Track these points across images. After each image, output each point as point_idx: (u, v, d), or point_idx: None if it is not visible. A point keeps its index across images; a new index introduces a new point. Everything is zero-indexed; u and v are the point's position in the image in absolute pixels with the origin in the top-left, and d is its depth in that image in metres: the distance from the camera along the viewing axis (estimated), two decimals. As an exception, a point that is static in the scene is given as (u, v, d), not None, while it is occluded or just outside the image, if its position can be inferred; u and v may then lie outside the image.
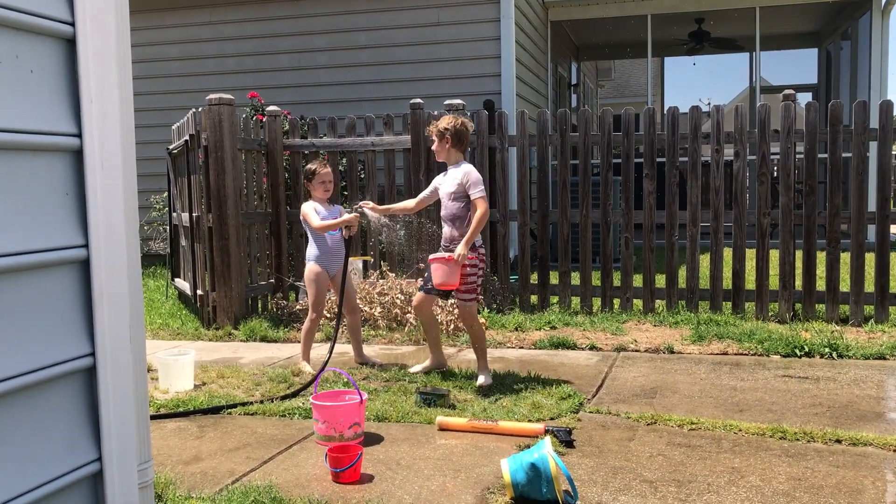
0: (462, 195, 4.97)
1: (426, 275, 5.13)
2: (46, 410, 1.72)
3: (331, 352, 5.12)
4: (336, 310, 5.59)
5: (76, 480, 1.77)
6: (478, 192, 4.91)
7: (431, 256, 4.95)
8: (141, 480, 1.92)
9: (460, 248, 4.79)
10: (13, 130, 1.64)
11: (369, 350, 6.04)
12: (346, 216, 5.27)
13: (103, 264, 1.82)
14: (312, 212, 5.36)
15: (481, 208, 4.86)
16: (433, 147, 5.15)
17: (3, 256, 1.60)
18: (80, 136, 1.80)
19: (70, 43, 1.79)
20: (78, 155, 1.80)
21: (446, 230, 5.05)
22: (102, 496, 1.84)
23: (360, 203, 5.34)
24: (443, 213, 5.10)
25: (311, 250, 5.46)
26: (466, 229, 4.91)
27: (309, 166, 5.57)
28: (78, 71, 1.80)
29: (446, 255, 4.84)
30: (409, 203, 5.44)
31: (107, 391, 1.83)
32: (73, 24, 1.78)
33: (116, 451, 1.85)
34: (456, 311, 6.62)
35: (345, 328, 5.67)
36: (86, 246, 1.80)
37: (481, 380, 4.90)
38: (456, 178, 4.99)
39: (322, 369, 4.75)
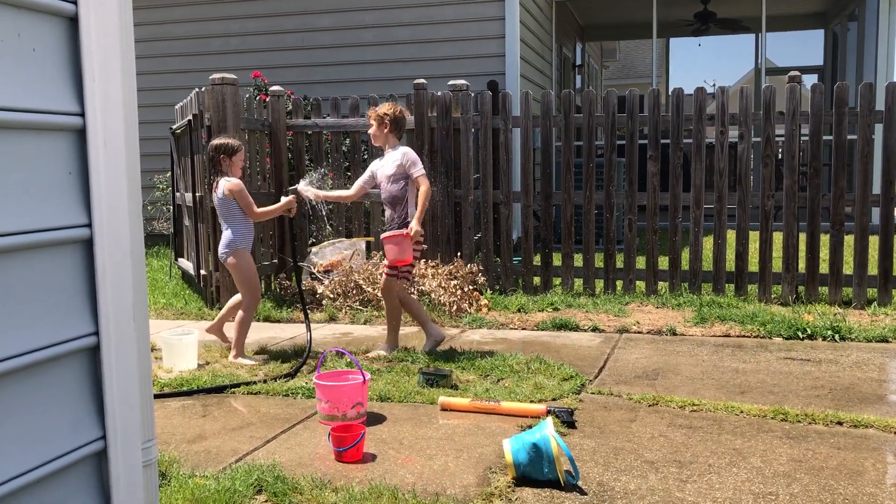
0: (401, 176, 5.10)
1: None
2: (51, 389, 1.73)
3: (309, 329, 5.26)
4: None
5: (81, 458, 1.78)
6: (418, 171, 5.08)
7: (384, 235, 5.09)
8: (145, 459, 1.93)
9: (414, 224, 5.00)
10: (16, 109, 1.63)
11: (371, 330, 6.06)
12: (286, 200, 5.27)
13: (106, 244, 1.82)
14: (249, 196, 5.13)
15: (424, 185, 5.06)
16: (371, 131, 5.23)
17: (7, 236, 1.60)
18: (83, 115, 1.79)
19: (72, 21, 1.78)
20: (81, 134, 1.80)
21: (388, 212, 5.21)
22: (106, 474, 1.85)
23: (296, 186, 5.38)
24: (383, 196, 5.22)
25: (235, 235, 5.11)
26: (404, 211, 5.10)
27: (228, 141, 5.24)
28: (80, 49, 1.79)
29: (400, 231, 5.02)
30: (348, 192, 5.50)
31: (110, 370, 1.84)
32: (75, 2, 1.77)
33: (120, 430, 1.86)
34: (458, 291, 6.63)
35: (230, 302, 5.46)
36: (89, 225, 1.80)
37: (376, 352, 5.18)
38: (395, 160, 5.11)
39: (308, 351, 4.83)
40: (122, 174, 1.85)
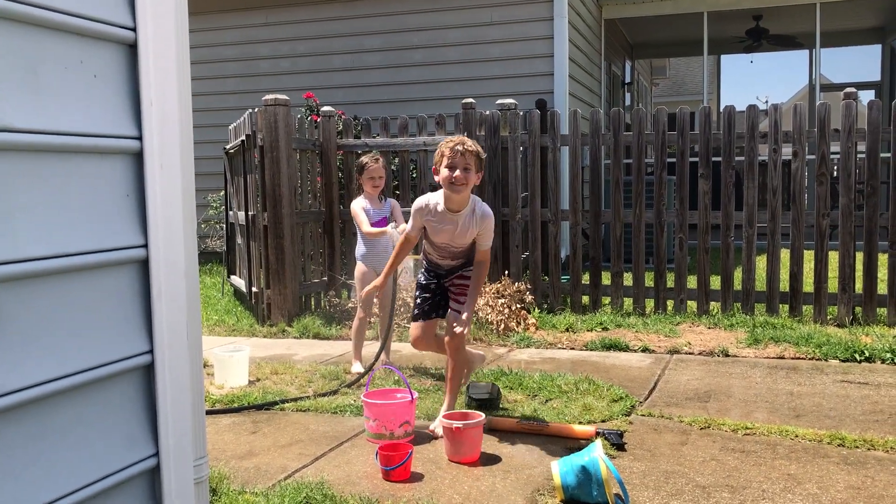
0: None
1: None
2: (107, 406, 1.77)
3: (380, 352, 5.14)
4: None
5: (134, 475, 1.82)
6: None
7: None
8: (196, 476, 1.96)
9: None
10: (77, 133, 1.69)
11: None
12: (389, 229, 5.14)
13: (162, 264, 1.86)
14: (362, 213, 5.34)
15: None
16: (466, 175, 3.86)
17: (68, 256, 1.65)
18: (140, 138, 1.84)
19: (131, 47, 1.84)
20: (138, 157, 1.85)
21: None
22: (159, 491, 1.88)
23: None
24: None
25: (360, 249, 5.48)
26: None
27: (361, 159, 5.57)
28: (139, 75, 1.84)
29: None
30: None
31: (164, 388, 1.87)
32: (134, 30, 1.83)
33: (173, 447, 1.89)
34: (506, 310, 6.61)
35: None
36: (145, 246, 1.85)
37: (436, 424, 4.01)
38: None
39: (371, 367, 4.79)
40: (177, 196, 1.90)
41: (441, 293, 4.22)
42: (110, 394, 1.78)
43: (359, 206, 5.41)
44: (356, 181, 5.64)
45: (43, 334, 1.61)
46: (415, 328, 4.25)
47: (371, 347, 5.67)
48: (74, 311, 1.69)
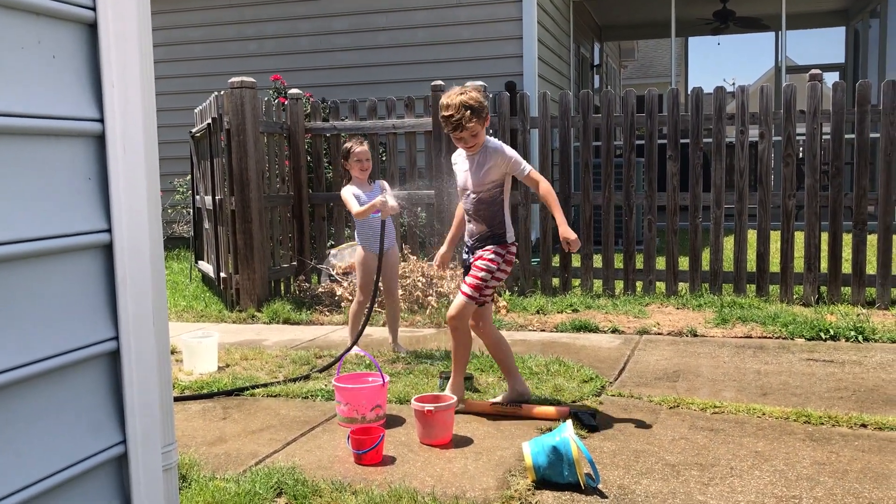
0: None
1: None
2: (72, 394, 1.74)
3: (359, 335, 5.10)
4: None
5: (101, 463, 1.79)
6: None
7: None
8: (165, 463, 1.94)
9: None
10: (36, 116, 1.64)
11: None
12: (376, 199, 5.06)
13: (126, 249, 1.83)
14: (351, 198, 5.23)
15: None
16: (473, 138, 4.01)
17: (27, 241, 1.61)
18: (102, 120, 1.80)
19: (91, 27, 1.79)
20: (100, 140, 1.81)
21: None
22: (127, 478, 1.86)
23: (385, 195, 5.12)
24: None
25: (357, 234, 5.44)
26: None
27: (346, 145, 5.47)
28: (99, 55, 1.80)
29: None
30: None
31: (130, 375, 1.84)
32: (94, 9, 1.78)
33: (140, 434, 1.86)
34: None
35: (381, 313, 5.65)
36: (109, 230, 1.81)
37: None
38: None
39: (346, 350, 4.77)
40: (141, 179, 1.86)
41: (466, 273, 4.16)
42: (75, 381, 1.75)
43: (349, 192, 5.26)
44: (342, 167, 5.49)
45: (4, 321, 1.57)
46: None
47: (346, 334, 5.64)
48: (37, 297, 1.65)
